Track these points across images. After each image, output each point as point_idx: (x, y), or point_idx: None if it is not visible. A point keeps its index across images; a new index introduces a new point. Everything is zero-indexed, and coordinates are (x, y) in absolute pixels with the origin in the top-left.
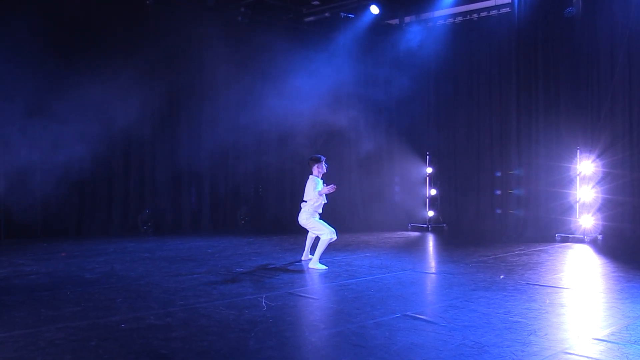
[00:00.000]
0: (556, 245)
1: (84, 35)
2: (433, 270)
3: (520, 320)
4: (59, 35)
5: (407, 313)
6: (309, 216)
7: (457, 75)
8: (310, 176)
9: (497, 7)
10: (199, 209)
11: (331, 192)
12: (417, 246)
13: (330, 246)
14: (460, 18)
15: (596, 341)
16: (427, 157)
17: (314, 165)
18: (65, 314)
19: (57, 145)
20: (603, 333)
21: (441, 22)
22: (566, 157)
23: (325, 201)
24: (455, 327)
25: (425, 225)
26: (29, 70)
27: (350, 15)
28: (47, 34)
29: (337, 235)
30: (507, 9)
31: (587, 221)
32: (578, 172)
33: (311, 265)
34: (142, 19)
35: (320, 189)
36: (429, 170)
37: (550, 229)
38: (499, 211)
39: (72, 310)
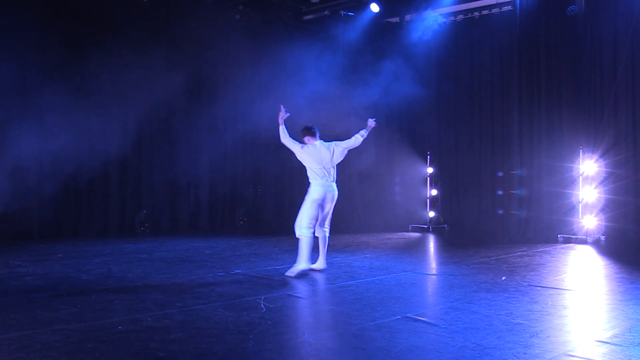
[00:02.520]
0: (558, 246)
1: (80, 37)
2: (434, 271)
3: (522, 322)
4: (55, 38)
5: (408, 315)
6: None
7: (458, 74)
8: (324, 142)
9: (499, 5)
10: (197, 210)
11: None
12: (417, 247)
13: (330, 247)
14: (461, 16)
15: (599, 343)
16: (428, 156)
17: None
18: (61, 315)
19: (54, 145)
20: (606, 335)
21: (442, 20)
22: (569, 157)
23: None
24: (457, 329)
25: (426, 226)
26: (25, 74)
27: (350, 13)
28: (43, 36)
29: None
30: (509, 7)
31: (589, 222)
32: (581, 172)
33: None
34: (138, 19)
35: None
36: (430, 170)
37: (552, 230)
38: (500, 212)
39: (68, 312)
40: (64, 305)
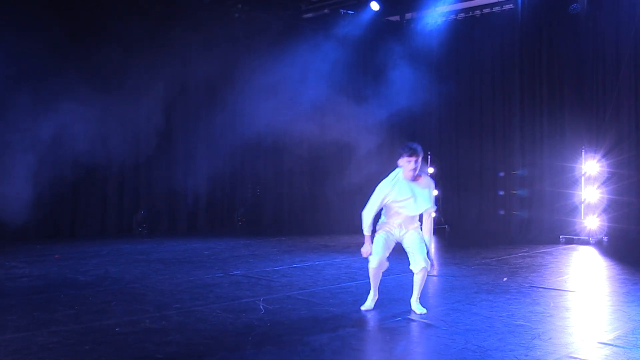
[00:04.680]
0: (560, 247)
1: (75, 39)
2: (434, 272)
3: (523, 323)
4: (49, 41)
5: (408, 316)
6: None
7: (459, 74)
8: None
9: (500, 3)
10: (195, 210)
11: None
12: None
13: (330, 248)
14: (462, 15)
15: (601, 345)
16: (429, 156)
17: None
18: (58, 317)
19: (51, 144)
20: (608, 337)
21: (443, 19)
22: (571, 156)
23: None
24: (458, 330)
25: None
26: (21, 74)
27: (350, 12)
28: (37, 41)
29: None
30: (511, 6)
31: (592, 222)
32: (583, 172)
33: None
34: (134, 20)
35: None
36: (431, 170)
37: (554, 231)
38: (502, 212)
39: (65, 314)
40: (61, 307)
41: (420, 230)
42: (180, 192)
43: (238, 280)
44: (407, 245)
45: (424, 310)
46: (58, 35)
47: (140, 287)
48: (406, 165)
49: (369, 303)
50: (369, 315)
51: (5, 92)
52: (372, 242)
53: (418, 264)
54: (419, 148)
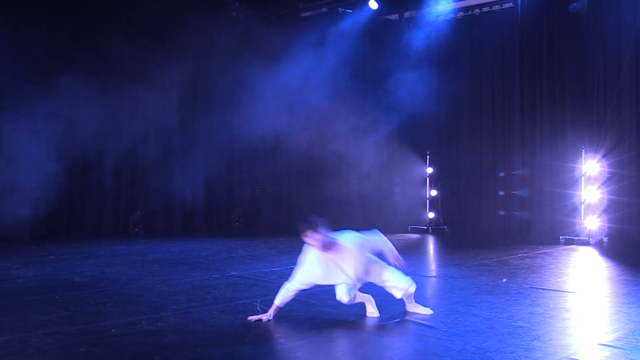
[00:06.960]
0: (560, 248)
1: (72, 40)
2: (434, 273)
3: (523, 325)
4: (53, 40)
5: (407, 318)
6: None
7: (458, 73)
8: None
9: (500, 1)
10: (192, 211)
11: None
12: (417, 249)
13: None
14: (461, 13)
15: (602, 347)
16: (428, 156)
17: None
18: (53, 318)
19: (47, 144)
20: (609, 338)
21: (442, 17)
22: (571, 156)
23: None
24: (457, 332)
25: (426, 227)
26: (19, 72)
27: (348, 10)
28: (44, 37)
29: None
30: (510, 4)
31: (592, 223)
32: (583, 173)
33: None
34: (133, 20)
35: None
36: (430, 170)
37: (554, 231)
38: (501, 213)
39: (61, 315)
40: (57, 308)
41: (380, 261)
42: (177, 192)
43: (235, 281)
44: (379, 279)
45: (430, 311)
46: (56, 38)
47: (137, 288)
48: (310, 241)
49: (370, 309)
50: (368, 317)
51: (4, 98)
52: (274, 313)
53: (400, 288)
54: (307, 222)
